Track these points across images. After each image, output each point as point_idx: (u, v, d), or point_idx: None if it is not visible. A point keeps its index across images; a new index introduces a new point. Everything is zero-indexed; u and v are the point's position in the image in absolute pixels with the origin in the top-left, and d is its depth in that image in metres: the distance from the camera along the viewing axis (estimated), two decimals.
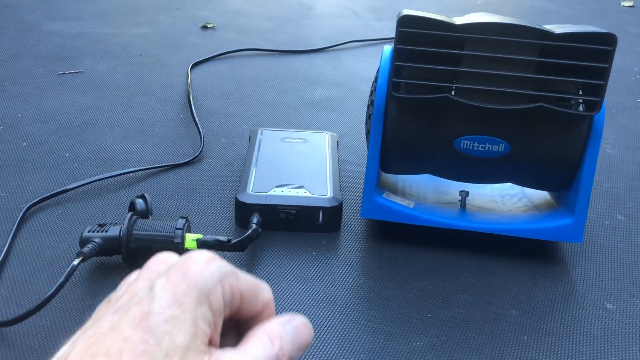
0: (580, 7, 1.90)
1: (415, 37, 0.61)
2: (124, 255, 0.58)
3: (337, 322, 0.58)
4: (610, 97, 1.20)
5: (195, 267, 0.31)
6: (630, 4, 1.96)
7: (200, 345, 0.32)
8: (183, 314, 0.31)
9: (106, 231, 0.58)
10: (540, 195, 0.76)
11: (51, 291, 0.51)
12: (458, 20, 0.62)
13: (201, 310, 0.32)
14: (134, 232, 0.58)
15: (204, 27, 1.48)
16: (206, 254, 0.32)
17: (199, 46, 1.34)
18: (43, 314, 0.54)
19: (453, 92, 0.62)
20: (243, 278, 0.33)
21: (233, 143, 0.92)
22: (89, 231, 0.58)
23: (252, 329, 0.36)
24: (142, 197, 0.64)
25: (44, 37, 1.33)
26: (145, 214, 0.63)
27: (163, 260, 0.33)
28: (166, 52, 1.30)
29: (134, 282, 0.33)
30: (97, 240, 0.57)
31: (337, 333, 0.56)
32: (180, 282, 0.31)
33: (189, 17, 1.55)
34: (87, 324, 0.33)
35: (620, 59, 1.42)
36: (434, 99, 0.61)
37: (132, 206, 0.63)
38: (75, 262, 0.54)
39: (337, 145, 0.86)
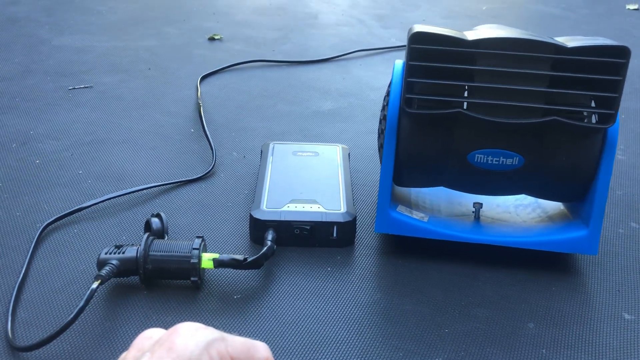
0: (585, 12, 1.90)
1: (427, 53, 0.61)
2: (141, 276, 0.58)
3: (355, 341, 0.58)
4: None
5: (179, 341, 0.31)
6: (636, 7, 1.95)
7: None
8: None
9: (123, 253, 0.59)
10: (554, 206, 0.75)
11: (71, 316, 0.51)
12: (470, 35, 0.62)
13: None
14: (150, 253, 0.59)
15: (211, 39, 1.48)
16: (191, 326, 0.32)
17: (207, 58, 1.35)
18: (63, 338, 0.55)
19: (466, 107, 0.62)
20: (232, 342, 0.33)
21: (244, 157, 0.92)
22: (106, 253, 0.59)
23: None
24: (158, 215, 0.65)
25: (53, 52, 1.34)
26: (161, 233, 0.63)
27: (148, 337, 0.34)
28: (175, 65, 1.30)
29: None
30: (114, 262, 0.57)
31: (356, 352, 0.56)
32: (165, 358, 0.31)
33: (195, 28, 1.56)
34: None
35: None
36: (447, 114, 0.62)
37: (147, 225, 0.63)
38: (94, 285, 0.54)
39: (349, 157, 0.86)
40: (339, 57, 1.39)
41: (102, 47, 1.39)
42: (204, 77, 1.23)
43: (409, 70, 0.61)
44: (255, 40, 1.48)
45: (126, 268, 0.58)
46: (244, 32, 1.54)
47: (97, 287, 0.55)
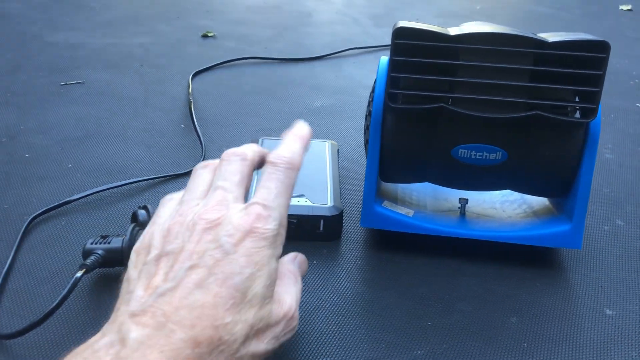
0: (579, 12, 1.91)
1: (411, 48, 0.61)
2: (126, 266, 0.59)
3: (336, 332, 0.58)
4: (609, 102, 1.20)
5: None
6: (629, 7, 1.97)
7: (272, 291, 0.43)
8: (259, 271, 0.41)
9: (109, 243, 0.59)
10: (540, 201, 0.76)
11: (54, 304, 0.51)
12: (453, 31, 0.63)
13: (275, 263, 0.44)
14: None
15: (205, 36, 1.49)
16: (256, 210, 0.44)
17: (200, 55, 1.35)
18: (46, 327, 0.55)
19: (450, 102, 0.63)
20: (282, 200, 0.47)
21: None
22: (91, 243, 0.59)
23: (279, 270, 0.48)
24: (144, 207, 0.65)
25: (45, 48, 1.34)
26: (148, 224, 0.63)
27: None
28: (167, 62, 1.31)
29: (191, 238, 0.42)
30: (99, 252, 0.58)
31: (337, 343, 0.57)
32: (252, 246, 0.42)
33: (189, 26, 1.56)
34: (140, 278, 0.42)
35: (618, 63, 1.43)
36: (431, 109, 0.62)
37: (134, 217, 0.64)
38: (78, 274, 0.54)
39: (338, 153, 0.87)
40: (332, 55, 1.40)
41: (95, 44, 1.39)
42: (196, 74, 1.23)
43: (393, 65, 0.61)
44: (249, 38, 1.49)
45: (111, 258, 0.59)
46: (238, 30, 1.55)
47: (82, 275, 0.55)
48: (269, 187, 0.45)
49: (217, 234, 0.41)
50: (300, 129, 0.52)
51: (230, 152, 0.48)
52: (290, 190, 0.47)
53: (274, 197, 0.45)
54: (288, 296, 0.45)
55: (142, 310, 0.38)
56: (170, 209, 0.47)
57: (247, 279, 0.40)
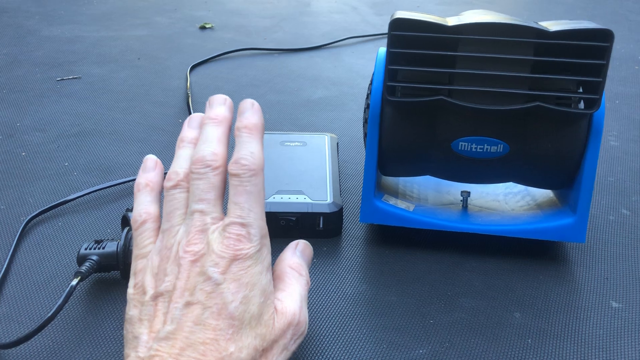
0: None
1: (409, 40, 0.60)
2: (122, 271, 0.58)
3: (338, 333, 0.57)
4: (614, 87, 1.19)
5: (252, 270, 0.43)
6: None
7: (270, 304, 0.43)
8: (251, 292, 0.42)
9: (103, 248, 0.58)
10: (544, 193, 0.75)
11: (50, 313, 0.50)
12: (452, 21, 0.61)
13: (266, 277, 0.44)
14: (130, 247, 0.58)
15: (202, 28, 1.47)
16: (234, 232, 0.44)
17: (198, 47, 1.34)
18: (44, 335, 0.54)
19: (449, 94, 0.61)
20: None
21: (233, 148, 0.91)
22: (85, 248, 0.58)
23: (277, 266, 0.50)
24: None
25: (42, 43, 1.33)
26: None
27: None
28: (164, 55, 1.29)
29: (180, 275, 0.42)
30: (94, 257, 0.57)
31: (339, 345, 0.56)
32: (239, 272, 0.42)
33: (186, 17, 1.55)
34: (142, 320, 0.42)
35: (623, 48, 1.41)
36: (429, 102, 0.61)
37: (125, 220, 0.63)
38: (74, 282, 0.54)
39: (337, 146, 0.85)
40: (331, 45, 1.38)
41: (92, 37, 1.38)
42: (194, 67, 1.22)
43: (390, 57, 0.60)
44: (246, 29, 1.47)
45: (107, 263, 0.58)
46: (236, 21, 1.53)
47: (77, 284, 0.54)
48: (239, 203, 0.44)
49: (203, 266, 0.41)
50: (248, 116, 0.48)
51: (199, 160, 0.46)
52: (262, 195, 0.45)
53: (247, 211, 0.44)
54: (290, 301, 0.45)
55: (150, 356, 0.40)
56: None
57: (241, 304, 0.41)
